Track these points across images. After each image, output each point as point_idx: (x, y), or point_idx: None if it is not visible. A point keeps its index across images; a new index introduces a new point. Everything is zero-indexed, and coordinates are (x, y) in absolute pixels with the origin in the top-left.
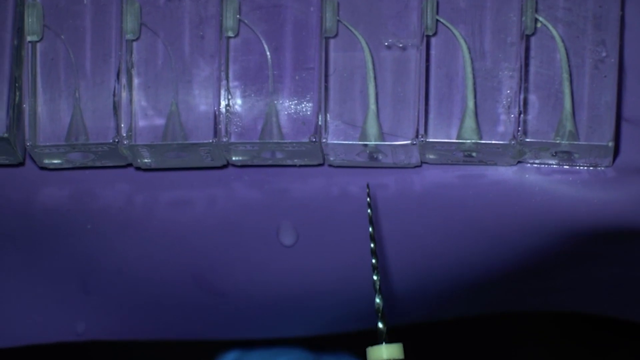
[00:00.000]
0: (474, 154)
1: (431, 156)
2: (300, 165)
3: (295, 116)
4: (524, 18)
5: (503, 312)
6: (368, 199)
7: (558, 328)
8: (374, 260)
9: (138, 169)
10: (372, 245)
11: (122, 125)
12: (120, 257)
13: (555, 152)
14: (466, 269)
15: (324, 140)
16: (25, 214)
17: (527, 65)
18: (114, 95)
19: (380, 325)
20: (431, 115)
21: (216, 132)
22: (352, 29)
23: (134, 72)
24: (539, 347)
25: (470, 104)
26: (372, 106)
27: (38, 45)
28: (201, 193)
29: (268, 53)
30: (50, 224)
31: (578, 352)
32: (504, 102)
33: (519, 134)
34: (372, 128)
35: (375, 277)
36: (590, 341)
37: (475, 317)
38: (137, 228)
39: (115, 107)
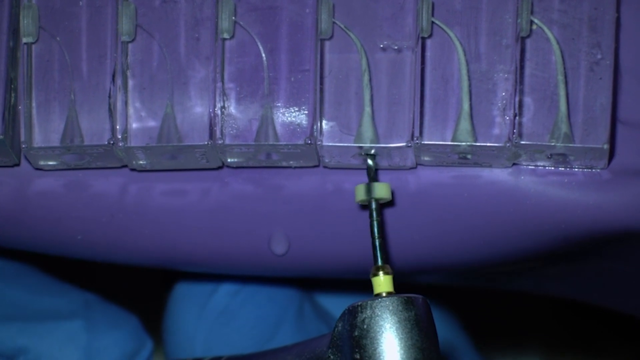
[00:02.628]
0: (469, 156)
1: (426, 158)
2: (296, 167)
3: (290, 118)
4: (519, 20)
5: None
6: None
7: (554, 318)
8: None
9: (133, 170)
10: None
11: (118, 127)
12: (108, 257)
13: (551, 155)
14: (460, 269)
15: (319, 143)
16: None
17: (522, 67)
18: (109, 97)
19: (369, 162)
20: (426, 118)
21: (211, 134)
22: (348, 31)
23: (129, 74)
24: (534, 330)
25: (466, 106)
26: (368, 108)
27: (33, 46)
28: (196, 186)
29: (263, 55)
30: (44, 224)
31: (569, 340)
32: (499, 105)
33: (514, 136)
34: (367, 130)
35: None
36: (581, 329)
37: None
38: (129, 232)
39: (111, 109)
